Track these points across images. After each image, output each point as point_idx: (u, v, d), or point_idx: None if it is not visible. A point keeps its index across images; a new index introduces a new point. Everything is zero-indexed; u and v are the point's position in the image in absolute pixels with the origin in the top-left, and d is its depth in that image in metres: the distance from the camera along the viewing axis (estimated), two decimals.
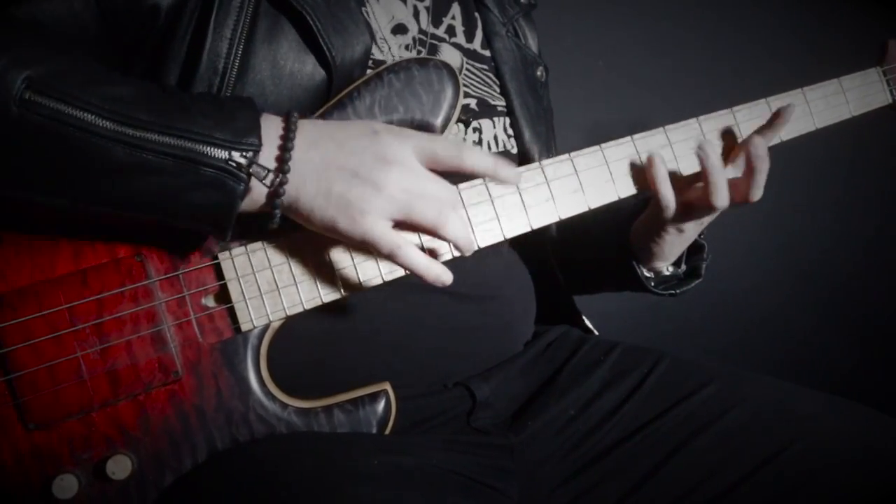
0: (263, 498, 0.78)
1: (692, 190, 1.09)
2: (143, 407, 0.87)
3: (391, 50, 1.08)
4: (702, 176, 1.05)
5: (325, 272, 0.93)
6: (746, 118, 1.11)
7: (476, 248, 0.95)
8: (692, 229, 1.14)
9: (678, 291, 1.23)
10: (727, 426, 1.03)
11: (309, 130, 0.86)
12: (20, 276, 0.86)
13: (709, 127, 1.09)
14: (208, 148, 0.80)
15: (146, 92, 0.82)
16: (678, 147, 1.07)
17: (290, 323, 0.93)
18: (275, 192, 0.84)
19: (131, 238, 0.89)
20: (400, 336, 1.01)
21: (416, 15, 1.13)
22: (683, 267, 1.24)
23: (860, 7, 2.28)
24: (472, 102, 1.15)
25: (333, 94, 0.97)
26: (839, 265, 2.46)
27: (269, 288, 0.92)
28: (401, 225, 0.88)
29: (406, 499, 0.79)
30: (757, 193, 1.06)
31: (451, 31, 1.18)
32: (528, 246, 1.21)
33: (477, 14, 1.25)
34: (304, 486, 0.79)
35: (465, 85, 1.12)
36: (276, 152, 0.84)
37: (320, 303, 0.93)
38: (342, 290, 0.94)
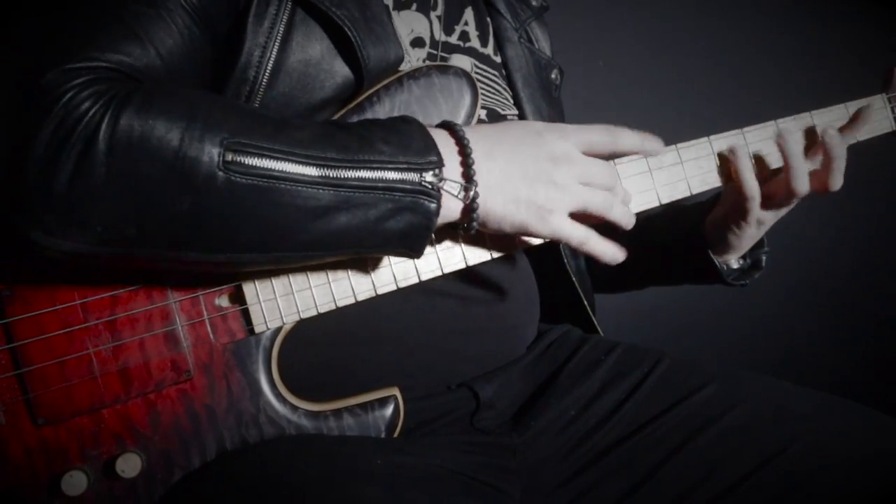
0: (268, 497, 0.79)
1: (773, 182, 1.13)
2: (153, 405, 0.88)
3: (411, 63, 1.08)
4: (783, 164, 1.10)
5: (340, 277, 0.94)
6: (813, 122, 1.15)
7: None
8: (770, 220, 1.17)
9: (748, 282, 1.27)
10: (727, 426, 1.04)
11: (479, 141, 0.88)
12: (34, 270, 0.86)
13: (786, 127, 1.14)
14: (401, 173, 0.82)
15: (325, 130, 0.83)
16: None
17: (299, 324, 0.94)
18: (470, 206, 0.86)
19: None
20: (407, 338, 1.02)
21: (431, 26, 1.14)
22: (748, 260, 1.27)
23: (865, 12, 2.29)
24: (483, 114, 1.16)
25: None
26: (839, 265, 2.46)
27: (284, 291, 0.92)
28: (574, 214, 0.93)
29: (409, 499, 0.80)
30: (837, 180, 1.10)
31: (464, 36, 1.18)
32: (538, 246, 1.21)
33: (489, 19, 1.25)
34: (309, 486, 0.79)
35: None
36: (459, 168, 0.87)
37: (335, 307, 0.94)
38: (356, 296, 0.94)
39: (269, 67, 0.93)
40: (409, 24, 1.10)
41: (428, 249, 0.96)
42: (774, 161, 1.13)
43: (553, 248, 1.26)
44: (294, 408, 0.92)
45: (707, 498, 0.99)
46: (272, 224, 0.79)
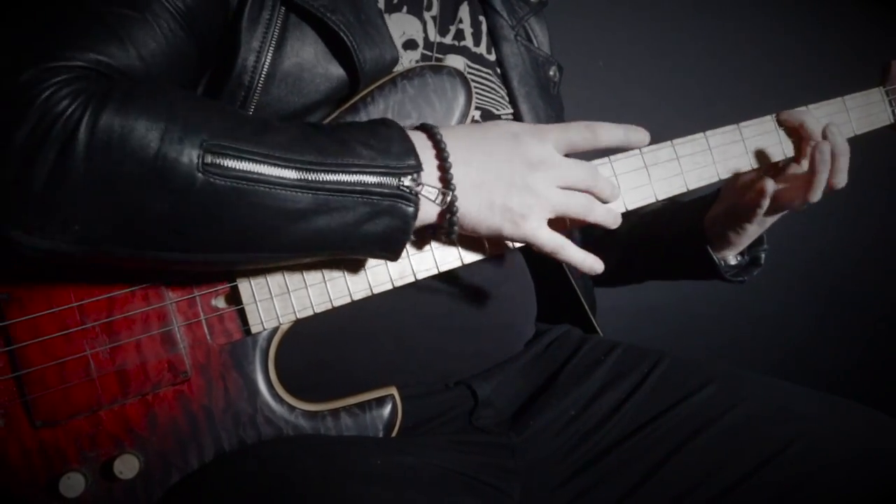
0: (267, 498, 0.79)
1: (785, 189, 1.13)
2: (151, 407, 0.88)
3: (403, 65, 1.09)
4: (809, 170, 1.09)
5: (336, 276, 0.94)
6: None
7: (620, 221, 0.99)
8: (772, 219, 1.17)
9: (746, 278, 1.27)
10: (727, 426, 1.04)
11: (457, 146, 0.88)
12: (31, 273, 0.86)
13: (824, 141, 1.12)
14: (379, 177, 0.82)
15: (305, 133, 0.83)
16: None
17: (296, 324, 0.94)
18: (448, 209, 0.87)
19: None
20: (403, 336, 1.02)
21: (425, 27, 1.13)
22: (746, 256, 1.27)
23: (865, 13, 2.29)
24: (476, 114, 1.15)
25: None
26: (839, 265, 2.46)
27: (280, 291, 0.92)
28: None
29: (408, 498, 0.80)
30: (842, 179, 1.10)
31: (459, 35, 1.18)
32: None
33: (482, 18, 1.25)
34: (308, 487, 0.79)
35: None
36: (437, 172, 0.87)
37: (330, 307, 0.94)
38: (352, 295, 0.94)
39: (263, 72, 0.93)
40: (400, 27, 1.10)
41: (424, 248, 0.96)
42: (776, 154, 1.13)
43: None
44: (291, 408, 0.92)
45: (707, 498, 0.99)
46: (250, 226, 0.80)
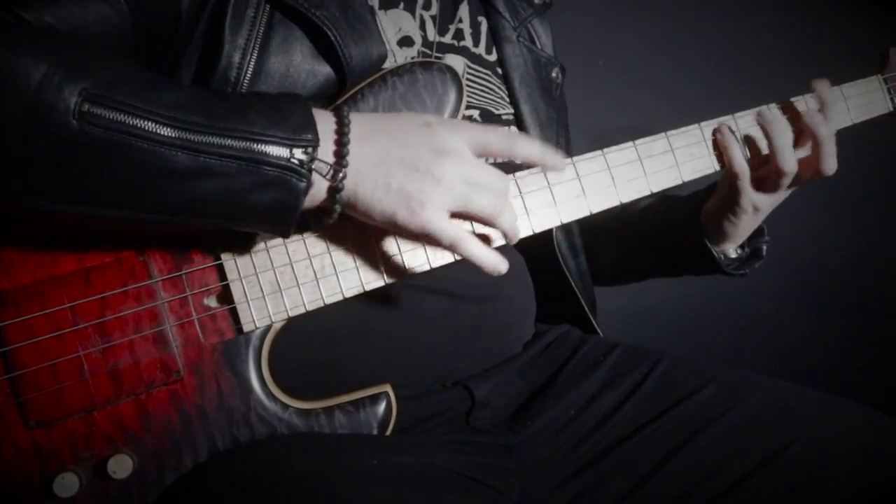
0: (263, 497, 0.78)
1: (763, 167, 1.11)
2: (144, 406, 0.88)
3: (397, 62, 1.08)
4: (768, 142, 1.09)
5: (328, 274, 0.93)
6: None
7: (522, 237, 0.97)
8: (765, 206, 1.15)
9: (748, 272, 1.26)
10: (727, 426, 1.03)
11: (361, 124, 0.86)
12: (23, 274, 0.86)
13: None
14: (269, 147, 0.80)
15: (198, 96, 0.82)
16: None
17: (290, 323, 0.93)
18: (335, 187, 0.84)
19: (135, 237, 0.89)
20: (399, 336, 1.01)
21: (423, 25, 1.13)
22: (747, 249, 1.26)
23: (863, 11, 2.29)
24: (475, 114, 1.15)
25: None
26: (839, 265, 2.46)
27: (272, 289, 0.92)
28: (456, 215, 0.89)
29: (405, 498, 0.80)
30: (828, 164, 1.09)
31: (458, 35, 1.18)
32: (534, 245, 1.21)
33: (482, 18, 1.24)
34: (304, 486, 0.79)
35: (467, 95, 1.12)
36: (333, 147, 0.84)
37: (322, 305, 0.93)
38: (344, 293, 0.94)
39: (249, 70, 0.93)
40: (396, 23, 1.10)
41: (417, 244, 0.95)
42: (765, 146, 1.12)
43: (549, 248, 1.26)
44: (285, 406, 0.91)
45: (707, 498, 0.99)
46: (127, 181, 0.78)
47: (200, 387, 0.89)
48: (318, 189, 0.84)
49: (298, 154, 0.81)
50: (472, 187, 0.87)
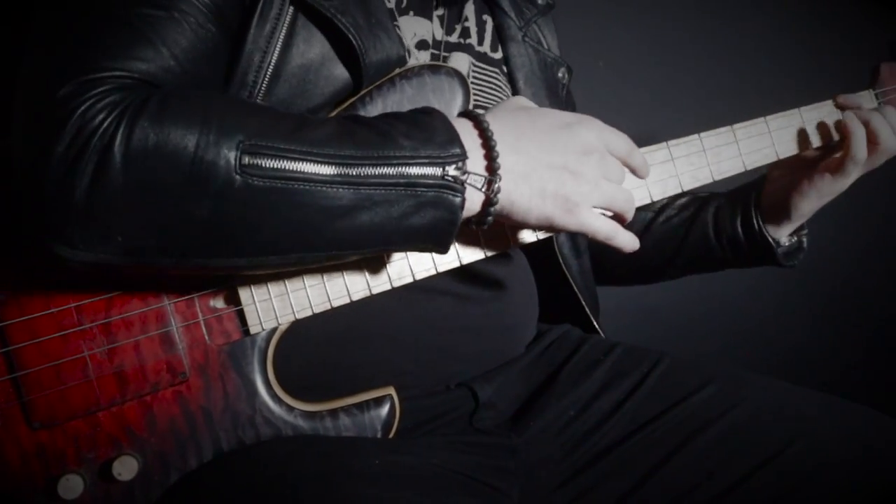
0: (266, 498, 0.79)
1: (831, 158, 1.19)
2: (149, 408, 0.87)
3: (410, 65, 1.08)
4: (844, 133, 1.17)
5: (335, 276, 0.93)
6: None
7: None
8: (829, 193, 1.21)
9: (796, 263, 1.30)
10: (727, 426, 1.04)
11: (504, 132, 0.86)
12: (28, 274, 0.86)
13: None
14: (423, 168, 0.80)
15: (343, 127, 0.81)
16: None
17: (295, 325, 0.94)
18: (490, 200, 0.85)
19: None
20: (404, 337, 1.01)
21: (434, 27, 1.13)
22: (794, 238, 1.29)
23: (870, 18, 2.29)
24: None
25: None
26: (839, 265, 2.46)
27: (279, 291, 0.92)
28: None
29: (408, 499, 0.80)
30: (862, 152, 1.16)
31: (465, 33, 1.18)
32: (536, 246, 1.21)
33: (487, 17, 1.24)
34: (307, 487, 0.79)
35: (473, 93, 1.13)
36: (483, 161, 0.84)
37: (329, 307, 0.93)
38: (351, 295, 0.94)
39: (269, 72, 0.92)
40: (412, 29, 1.10)
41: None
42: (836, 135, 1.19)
43: (549, 249, 1.26)
44: (290, 408, 0.92)
45: (707, 498, 0.99)
46: (293, 226, 0.78)
47: (206, 388, 0.89)
48: (472, 202, 0.85)
49: (451, 171, 0.81)
50: (613, 185, 0.91)
